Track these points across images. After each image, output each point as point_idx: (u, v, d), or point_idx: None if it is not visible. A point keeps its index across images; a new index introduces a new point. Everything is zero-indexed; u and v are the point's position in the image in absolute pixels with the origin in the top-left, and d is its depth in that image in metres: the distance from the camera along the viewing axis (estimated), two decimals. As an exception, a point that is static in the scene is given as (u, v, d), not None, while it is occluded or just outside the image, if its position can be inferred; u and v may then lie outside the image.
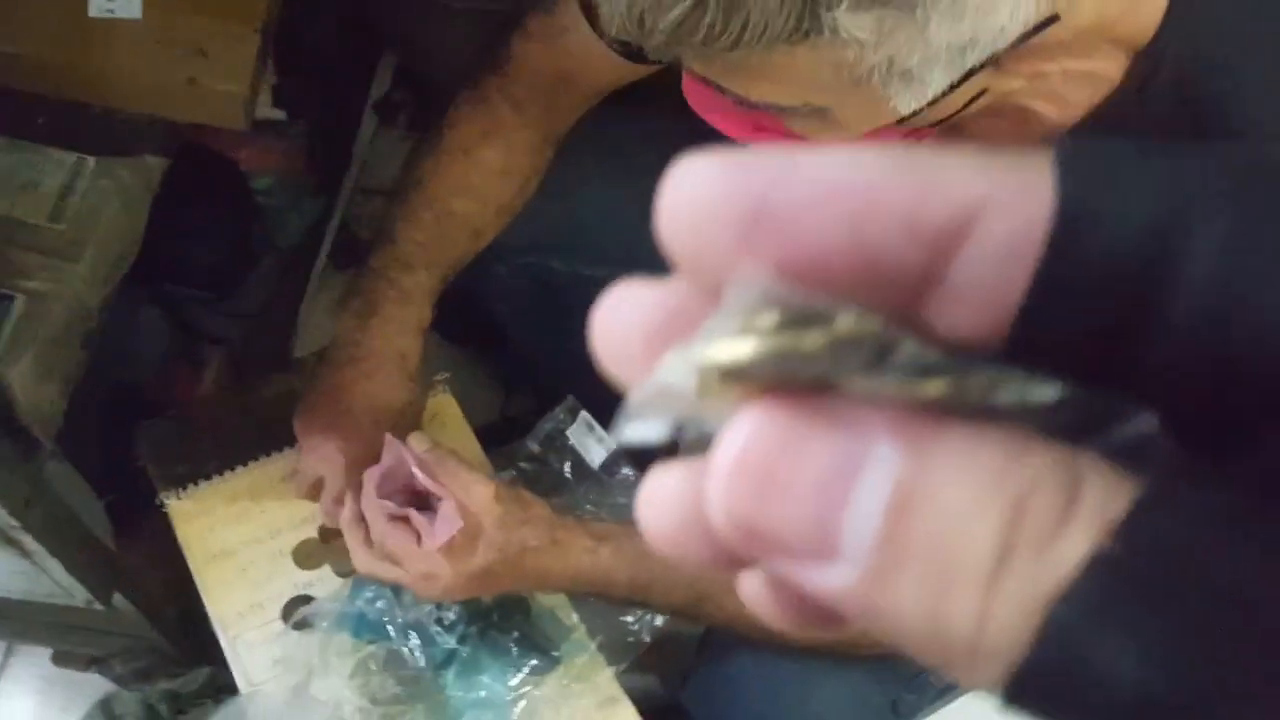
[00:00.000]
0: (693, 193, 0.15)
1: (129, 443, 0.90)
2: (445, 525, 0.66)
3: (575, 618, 0.80)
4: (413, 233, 0.77)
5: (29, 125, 0.91)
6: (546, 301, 0.96)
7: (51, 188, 0.86)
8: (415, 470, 0.68)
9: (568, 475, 0.88)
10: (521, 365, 1.16)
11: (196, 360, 1.12)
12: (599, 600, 0.76)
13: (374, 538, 0.68)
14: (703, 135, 0.90)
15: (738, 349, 0.14)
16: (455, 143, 0.78)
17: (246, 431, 0.84)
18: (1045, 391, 0.13)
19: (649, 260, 0.79)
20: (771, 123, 0.50)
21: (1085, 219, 0.13)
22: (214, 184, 1.11)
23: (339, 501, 0.74)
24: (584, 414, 0.89)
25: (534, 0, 0.79)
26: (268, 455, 0.84)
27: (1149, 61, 0.51)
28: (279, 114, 1.16)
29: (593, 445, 0.88)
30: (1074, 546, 0.12)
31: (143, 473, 0.87)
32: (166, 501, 0.82)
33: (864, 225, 0.14)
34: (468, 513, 0.67)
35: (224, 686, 0.83)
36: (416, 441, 0.77)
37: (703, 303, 0.15)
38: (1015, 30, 0.43)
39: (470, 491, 0.68)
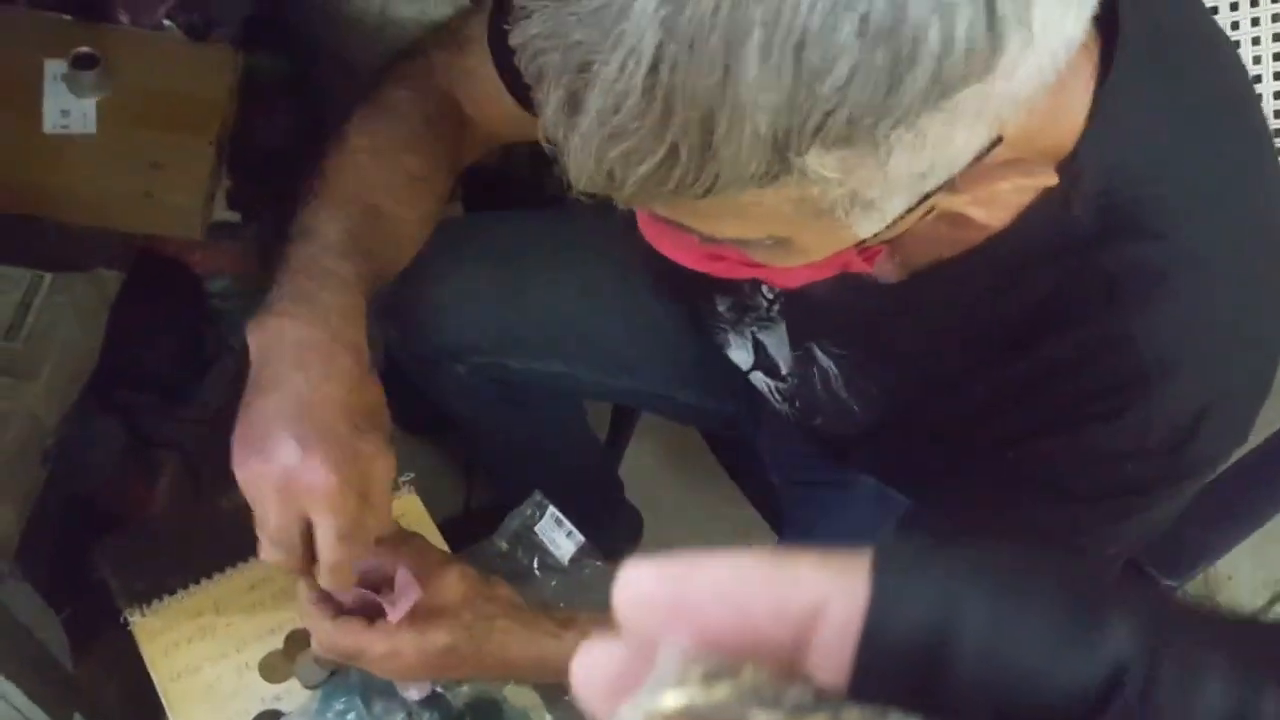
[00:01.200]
0: (634, 591, 0.20)
1: (85, 555, 0.88)
2: (405, 597, 0.65)
3: (549, 717, 0.80)
4: (341, 223, 0.67)
5: (-18, 242, 0.92)
6: (504, 398, 0.97)
7: (7, 306, 0.85)
8: (368, 562, 0.67)
9: (536, 572, 0.88)
10: (482, 455, 1.17)
11: (151, 466, 1.11)
12: (566, 687, 0.75)
13: (320, 641, 0.65)
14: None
15: (671, 699, 0.19)
16: (369, 146, 0.71)
17: (207, 544, 0.84)
18: None
19: (599, 354, 0.80)
20: (729, 252, 0.52)
21: (885, 614, 0.19)
22: (168, 289, 1.11)
23: (346, 538, 0.61)
24: (551, 509, 0.90)
25: (436, 37, 0.76)
26: (231, 567, 0.83)
27: (1071, 170, 0.53)
28: (233, 216, 1.17)
29: (561, 540, 0.89)
30: None
31: (100, 586, 0.85)
32: (130, 619, 0.81)
33: (747, 616, 0.20)
34: (433, 590, 0.66)
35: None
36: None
37: (648, 659, 0.20)
38: (969, 155, 0.45)
39: (435, 570, 0.67)
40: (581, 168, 0.43)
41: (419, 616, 0.65)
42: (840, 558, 0.20)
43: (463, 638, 0.66)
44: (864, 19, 0.38)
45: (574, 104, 0.42)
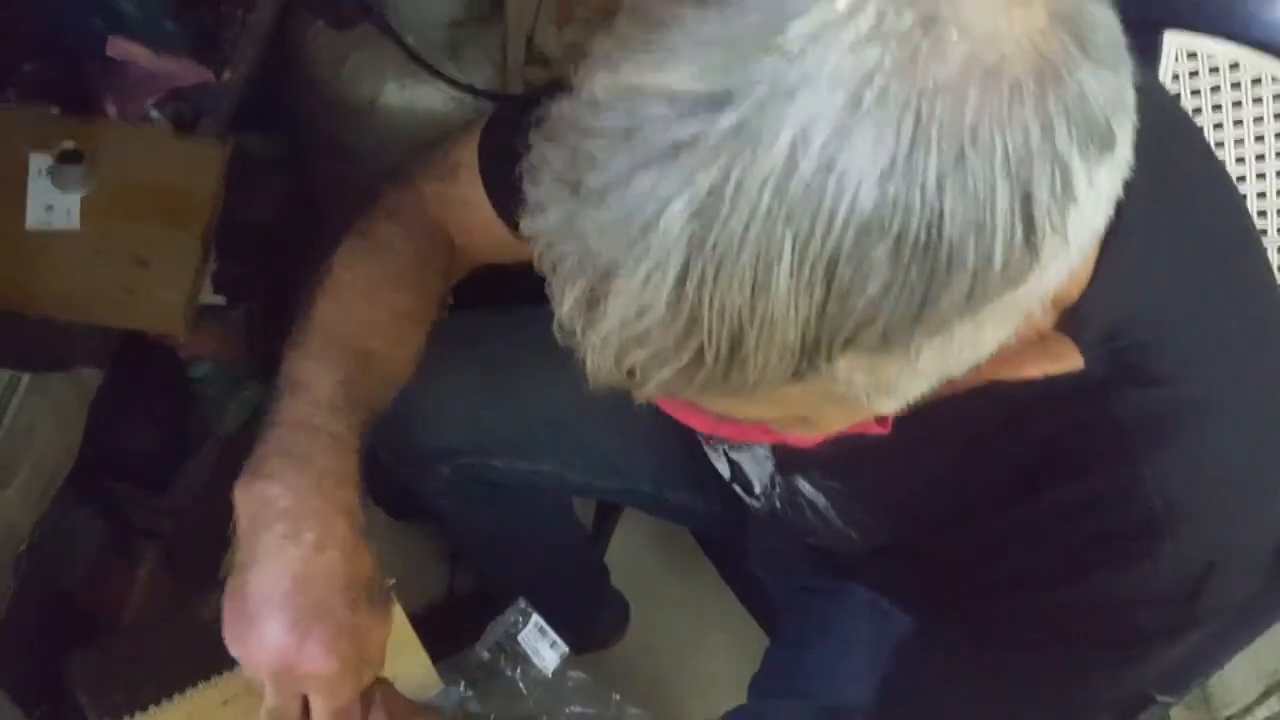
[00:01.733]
0: None
1: (60, 656, 0.86)
2: None
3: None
4: (332, 376, 0.66)
5: (-38, 340, 0.90)
6: (488, 496, 0.96)
7: (-16, 409, 0.84)
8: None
9: (519, 682, 0.87)
10: (466, 548, 1.15)
11: (131, 556, 1.09)
12: None
13: None
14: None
15: None
16: (358, 286, 0.71)
17: (182, 656, 0.82)
18: None
19: (587, 455, 0.79)
20: (745, 422, 0.51)
21: None
22: (150, 374, 1.10)
23: (342, 714, 0.61)
24: (535, 617, 0.89)
25: (425, 165, 0.75)
26: (206, 680, 0.81)
27: (1078, 316, 0.53)
28: (218, 299, 1.16)
29: (545, 650, 0.87)
30: None
31: (75, 708, 0.83)
32: (99, 736, 0.79)
33: None
34: None
35: None
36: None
37: None
38: (995, 346, 0.44)
39: None
40: (600, 366, 0.42)
41: None
42: None
43: None
44: (898, 240, 0.37)
45: (593, 304, 0.40)
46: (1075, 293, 0.53)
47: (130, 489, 1.08)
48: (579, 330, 0.42)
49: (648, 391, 0.42)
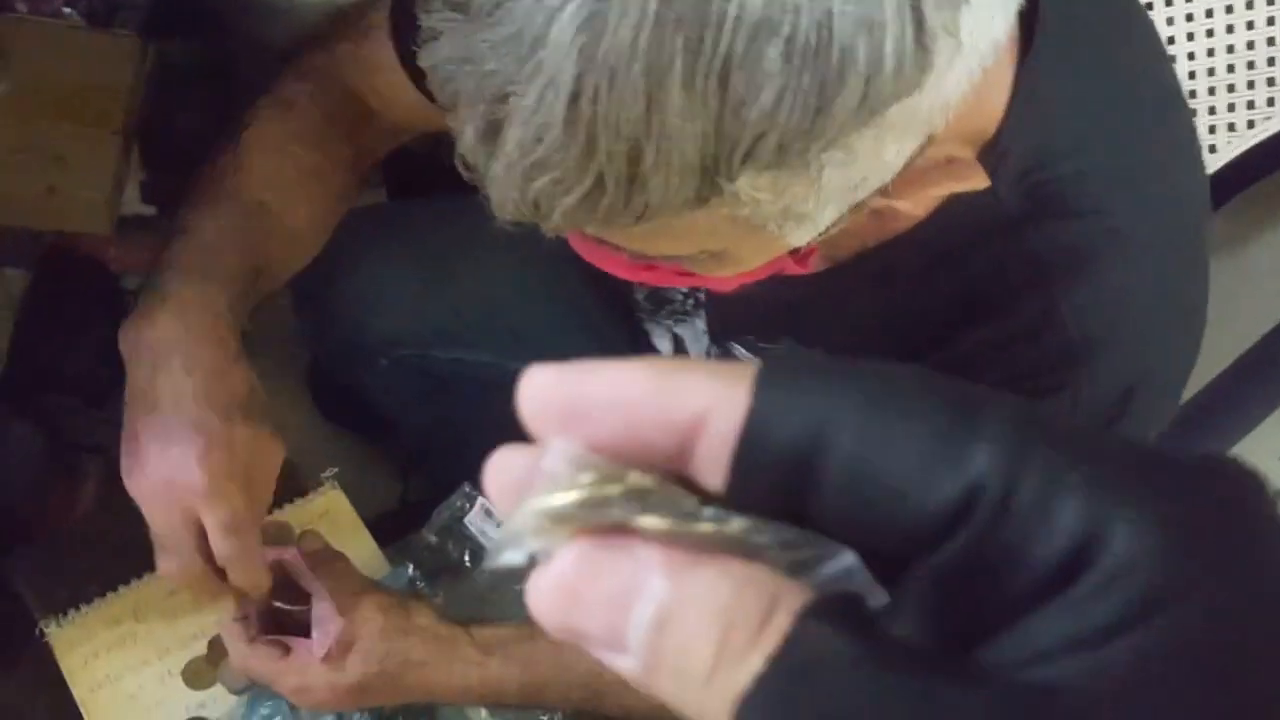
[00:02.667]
0: (532, 394, 0.21)
1: (4, 572, 0.86)
2: (323, 631, 0.64)
3: (484, 713, 0.79)
4: (216, 220, 0.67)
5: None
6: (431, 390, 0.95)
7: (-98, 310, 0.82)
8: (293, 567, 0.66)
9: (467, 564, 0.87)
10: (411, 446, 1.15)
11: (74, 472, 1.07)
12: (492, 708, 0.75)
13: (235, 663, 0.66)
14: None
15: (558, 500, 0.20)
16: (261, 141, 0.71)
17: (125, 550, 0.81)
18: (782, 534, 0.19)
19: (527, 344, 0.79)
20: (661, 264, 0.51)
21: (761, 426, 0.19)
22: (82, 287, 1.08)
23: (233, 529, 0.61)
24: (481, 500, 0.89)
25: (340, 27, 0.75)
26: (150, 573, 0.80)
27: (995, 153, 0.53)
28: (148, 209, 1.14)
29: (492, 531, 0.87)
30: (751, 664, 0.18)
31: (18, 600, 0.83)
32: (46, 630, 0.78)
33: (635, 423, 0.20)
34: (348, 621, 0.65)
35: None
36: (310, 540, 0.75)
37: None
38: (900, 163, 0.44)
39: (351, 599, 0.66)
40: (505, 198, 0.42)
41: (332, 649, 0.64)
42: (727, 369, 0.20)
43: (375, 673, 0.65)
44: (789, 42, 0.37)
45: (492, 133, 0.40)
46: (992, 127, 0.53)
47: (68, 402, 1.06)
48: (482, 163, 0.42)
49: (555, 224, 0.43)
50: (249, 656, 0.65)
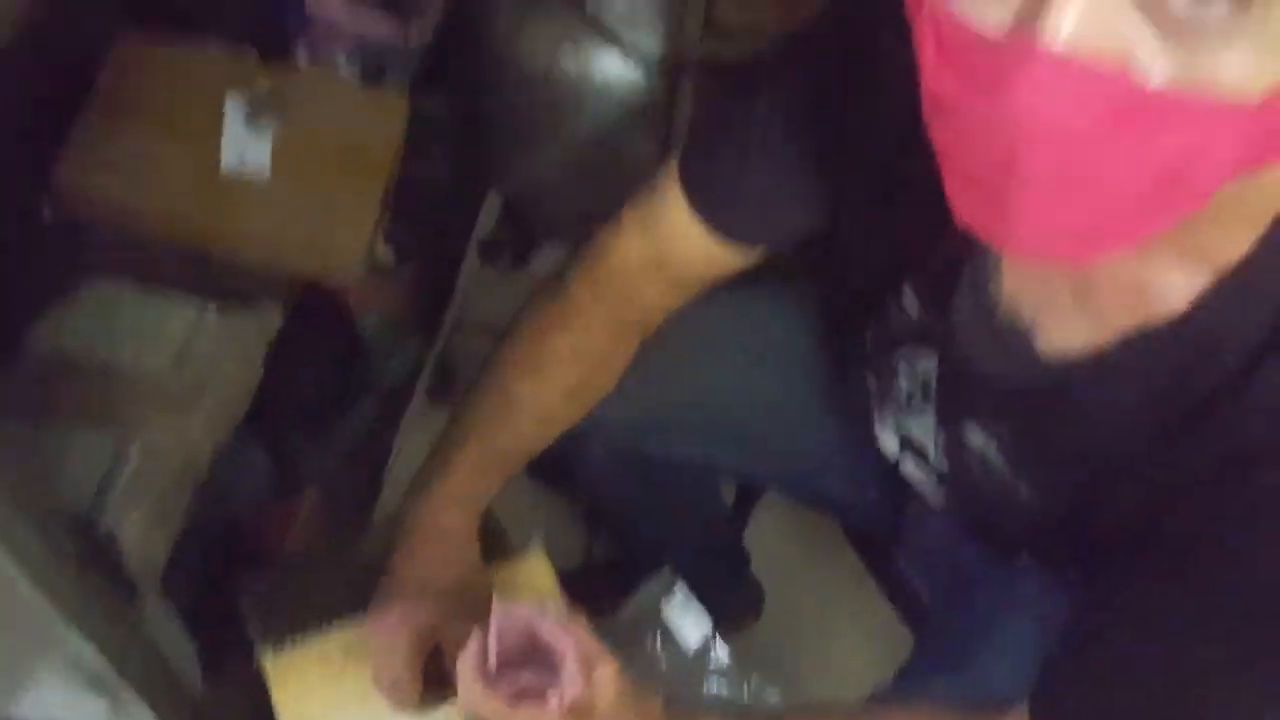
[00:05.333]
0: None
1: (225, 582, 0.90)
2: (570, 686, 0.64)
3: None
4: (471, 411, 0.78)
5: (156, 271, 0.95)
6: (638, 475, 0.96)
7: (175, 336, 0.88)
8: (541, 625, 0.66)
9: (660, 654, 0.86)
10: (609, 519, 1.16)
11: (294, 495, 1.13)
12: None
13: (463, 702, 0.66)
14: (800, 313, 0.89)
15: None
16: (528, 328, 0.79)
17: (339, 592, 0.84)
18: None
19: (743, 440, 0.76)
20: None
21: None
22: (323, 323, 1.14)
23: (402, 685, 0.73)
24: (680, 587, 0.88)
25: (632, 199, 0.78)
26: (362, 613, 0.83)
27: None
28: (388, 255, 1.19)
29: (689, 624, 0.87)
30: None
31: (237, 617, 0.87)
32: (263, 658, 0.82)
33: None
34: (587, 684, 0.65)
35: None
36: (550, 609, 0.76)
37: None
38: None
39: (592, 663, 0.66)
40: None
41: (575, 702, 0.64)
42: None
43: None
44: None
45: None
46: None
47: (297, 431, 1.12)
48: None
49: None
50: (482, 696, 0.64)
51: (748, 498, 1.28)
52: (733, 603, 1.28)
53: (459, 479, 0.77)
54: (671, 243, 0.75)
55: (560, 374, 0.79)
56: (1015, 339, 0.59)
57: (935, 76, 0.43)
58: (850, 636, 1.28)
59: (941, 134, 0.45)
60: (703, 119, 0.76)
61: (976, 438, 0.69)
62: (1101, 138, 0.39)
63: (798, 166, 0.67)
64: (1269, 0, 0.36)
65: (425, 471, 0.78)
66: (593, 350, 0.79)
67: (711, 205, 0.71)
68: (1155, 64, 0.38)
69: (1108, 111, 0.39)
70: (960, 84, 0.42)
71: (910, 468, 0.78)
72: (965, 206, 0.47)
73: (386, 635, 0.74)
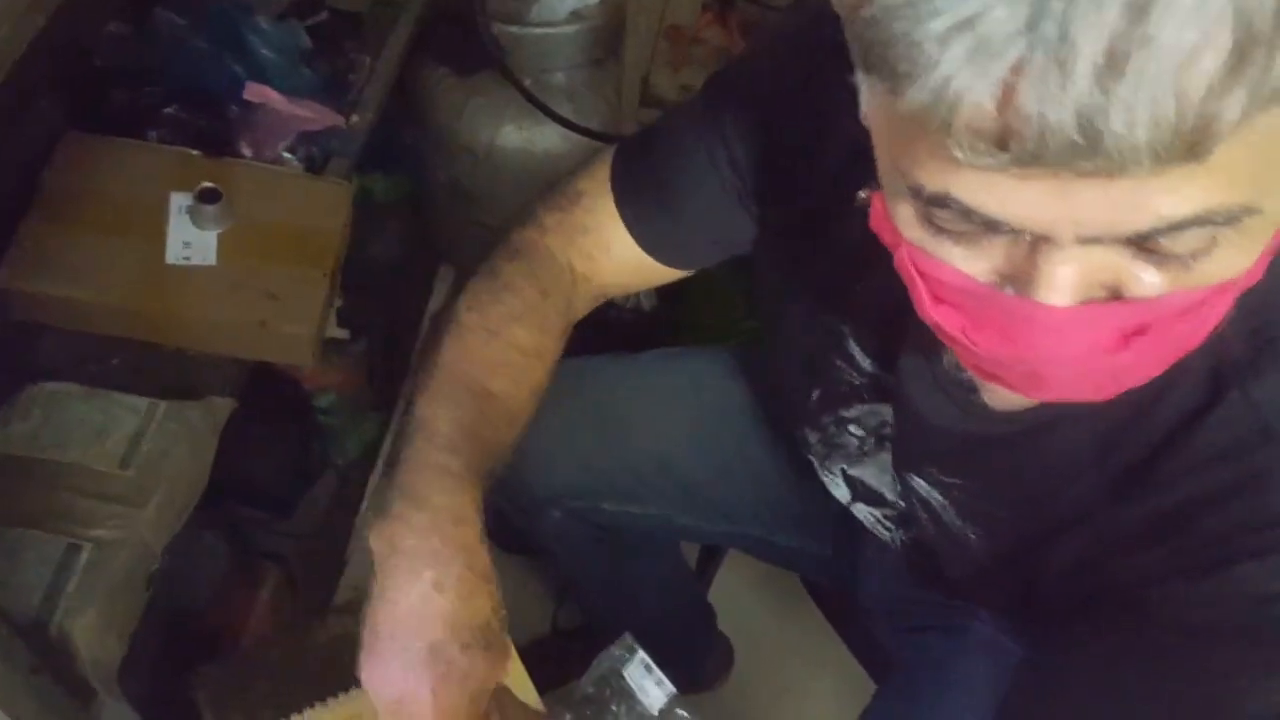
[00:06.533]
0: None
1: (183, 671, 0.90)
2: None
3: None
4: (452, 413, 0.68)
5: (103, 366, 0.95)
6: (598, 538, 0.97)
7: (122, 435, 0.89)
8: None
9: (623, 718, 0.87)
10: (573, 585, 1.16)
11: (254, 578, 1.13)
12: None
13: None
14: (745, 375, 0.91)
15: None
16: (484, 324, 0.72)
17: (300, 677, 0.84)
18: None
19: (697, 500, 0.76)
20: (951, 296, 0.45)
21: None
22: (277, 405, 1.14)
23: None
24: (641, 654, 0.88)
25: (547, 200, 0.77)
26: (321, 702, 0.83)
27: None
28: (342, 333, 1.20)
29: (650, 688, 0.87)
30: None
31: (194, 706, 0.86)
32: (221, 752, 0.82)
33: None
34: None
35: None
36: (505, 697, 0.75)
37: None
38: None
39: None
40: (1060, 123, 0.35)
41: None
42: None
43: None
44: None
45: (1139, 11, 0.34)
46: None
47: (254, 513, 1.12)
48: (1097, 99, 0.34)
49: (1223, 123, 0.35)
50: None
51: (711, 555, 1.28)
52: (701, 663, 1.28)
53: (471, 490, 0.66)
54: (595, 261, 0.75)
55: (528, 373, 0.73)
56: (963, 394, 0.61)
57: (936, 311, 0.46)
58: (817, 691, 1.28)
59: (947, 335, 0.48)
60: (637, 142, 0.76)
61: (928, 485, 0.70)
62: (1116, 348, 0.44)
63: (721, 200, 0.69)
64: (1250, 212, 0.39)
65: (415, 489, 0.65)
66: (549, 349, 0.75)
67: (648, 237, 0.72)
68: (1153, 282, 0.42)
69: (1118, 330, 0.43)
70: (967, 320, 0.45)
71: (864, 511, 0.79)
72: (981, 372, 0.50)
73: (387, 712, 0.63)
